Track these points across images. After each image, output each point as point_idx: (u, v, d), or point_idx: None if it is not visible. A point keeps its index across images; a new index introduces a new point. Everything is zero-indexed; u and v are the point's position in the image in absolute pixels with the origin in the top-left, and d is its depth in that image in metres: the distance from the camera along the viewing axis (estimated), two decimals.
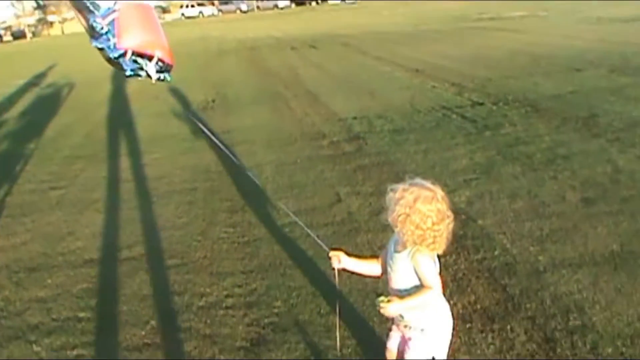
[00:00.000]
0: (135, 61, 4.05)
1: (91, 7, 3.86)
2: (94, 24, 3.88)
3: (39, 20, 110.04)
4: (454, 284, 5.88)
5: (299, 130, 13.26)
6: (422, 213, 3.61)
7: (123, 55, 3.98)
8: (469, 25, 36.65)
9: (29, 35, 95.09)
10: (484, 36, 29.91)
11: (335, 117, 14.24)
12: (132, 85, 22.52)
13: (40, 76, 29.14)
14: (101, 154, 12.99)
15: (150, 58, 4.08)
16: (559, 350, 4.82)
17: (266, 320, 5.70)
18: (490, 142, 10.82)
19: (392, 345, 4.19)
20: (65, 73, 28.80)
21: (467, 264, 6.38)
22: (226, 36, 47.81)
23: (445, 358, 4.04)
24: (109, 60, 4.01)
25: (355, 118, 13.78)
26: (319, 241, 4.45)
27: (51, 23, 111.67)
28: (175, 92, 19.42)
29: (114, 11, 3.92)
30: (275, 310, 5.86)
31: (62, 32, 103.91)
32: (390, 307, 3.69)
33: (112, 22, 3.91)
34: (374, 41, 32.04)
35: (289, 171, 10.20)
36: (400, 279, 3.84)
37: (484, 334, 5.13)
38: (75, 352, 5.51)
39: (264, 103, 17.20)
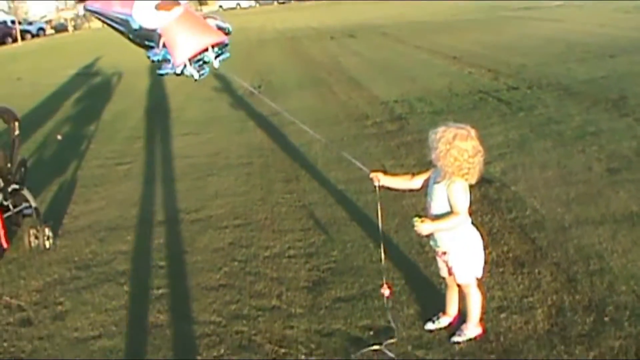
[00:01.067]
0: (198, 64, 4.74)
1: (145, 43, 4.61)
2: (152, 57, 4.63)
3: (79, 14, 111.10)
4: (489, 237, 6.63)
5: (343, 112, 14.07)
6: (459, 148, 4.49)
7: (185, 67, 4.62)
8: (506, 15, 37.16)
9: (70, 28, 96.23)
10: (520, 25, 30.48)
11: (377, 100, 15.02)
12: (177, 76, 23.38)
13: (89, 66, 30.08)
14: (158, 134, 13.91)
15: (205, 50, 4.69)
16: (579, 287, 5.58)
17: (325, 267, 6.53)
18: (523, 122, 11.57)
19: (444, 274, 5.09)
20: (111, 63, 29.66)
21: (501, 222, 7.17)
22: (265, 27, 48.57)
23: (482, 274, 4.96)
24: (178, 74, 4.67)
25: (396, 101, 14.55)
26: (359, 164, 5.31)
27: (90, 17, 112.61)
28: (222, 79, 20.22)
29: (160, 35, 4.59)
30: (333, 259, 6.69)
31: (103, 25, 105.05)
32: (423, 226, 4.58)
33: (164, 49, 4.59)
34: (412, 30, 32.67)
35: (337, 147, 10.97)
36: (437, 205, 4.73)
37: (514, 276, 5.91)
38: (160, 292, 6.39)
39: (308, 88, 18.00)
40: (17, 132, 7.83)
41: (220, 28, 4.90)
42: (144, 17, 4.60)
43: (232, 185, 9.58)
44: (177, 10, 4.58)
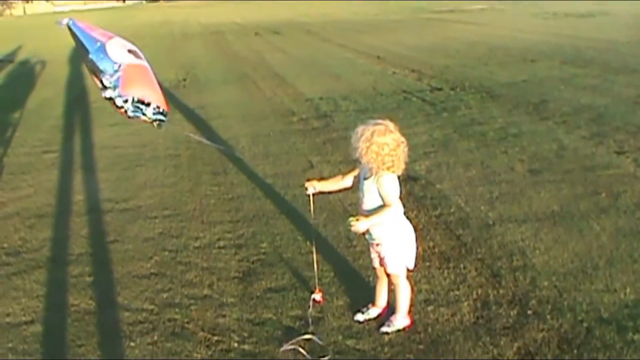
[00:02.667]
0: (137, 106, 5.13)
1: (101, 69, 5.05)
2: (105, 82, 5.08)
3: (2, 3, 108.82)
4: (415, 234, 6.78)
5: (269, 108, 14.14)
6: (379, 143, 4.63)
7: (126, 101, 5.10)
8: (429, 17, 37.76)
9: None
10: (443, 27, 31.01)
11: (302, 97, 15.11)
12: None
13: (10, 54, 29.50)
14: (85, 124, 13.76)
15: (148, 104, 5.20)
16: (503, 282, 5.76)
17: (255, 258, 6.59)
18: (447, 122, 11.80)
19: (376, 265, 5.18)
20: (33, 51, 29.18)
21: (427, 219, 7.33)
22: (189, 21, 48.35)
23: (413, 266, 5.06)
24: (116, 106, 5.17)
25: (321, 99, 14.66)
26: (215, 145, 5.56)
27: (11, 3, 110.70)
28: None
29: (118, 71, 5.14)
30: (262, 250, 6.76)
31: (24, 12, 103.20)
32: (359, 224, 4.67)
33: (118, 79, 5.08)
34: (336, 29, 32.94)
35: (263, 142, 11.07)
36: (369, 201, 4.85)
37: (441, 270, 6.07)
38: (91, 279, 6.37)
39: (233, 83, 18.01)
40: None
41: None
42: (115, 51, 5.24)
43: (160, 177, 9.56)
44: (142, 62, 5.37)
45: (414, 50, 22.78)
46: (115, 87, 4.99)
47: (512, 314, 5.22)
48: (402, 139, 4.73)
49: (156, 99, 5.24)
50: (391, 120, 4.81)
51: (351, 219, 4.70)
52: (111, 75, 5.11)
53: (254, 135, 11.55)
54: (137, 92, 5.16)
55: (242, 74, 19.82)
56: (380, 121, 4.73)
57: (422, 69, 18.22)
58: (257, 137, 11.40)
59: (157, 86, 5.46)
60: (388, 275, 5.14)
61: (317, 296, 5.40)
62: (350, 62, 21.05)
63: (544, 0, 45.93)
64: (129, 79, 5.20)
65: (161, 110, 5.27)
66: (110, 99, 5.01)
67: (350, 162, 5.05)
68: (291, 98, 15.11)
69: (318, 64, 20.99)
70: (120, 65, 5.18)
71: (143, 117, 5.20)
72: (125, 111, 5.10)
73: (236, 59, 23.67)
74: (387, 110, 13.00)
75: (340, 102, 14.22)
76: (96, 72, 5.11)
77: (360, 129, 4.71)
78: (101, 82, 5.07)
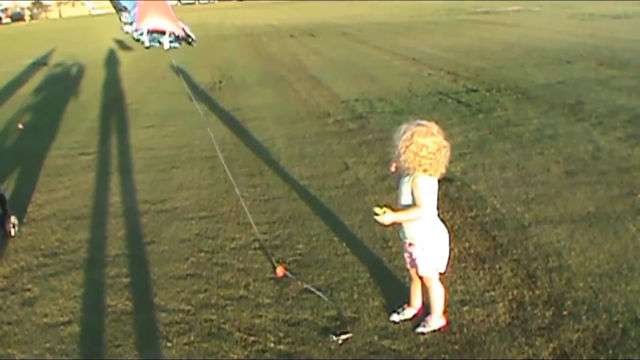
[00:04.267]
0: (153, 37, 5.58)
1: (124, 6, 5.73)
2: (124, 19, 5.52)
3: (35, 3, 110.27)
4: (451, 234, 6.80)
5: (305, 110, 14.20)
6: (418, 143, 4.64)
7: (142, 34, 5.59)
8: (464, 18, 37.65)
9: (27, 17, 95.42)
10: (478, 29, 30.90)
11: (338, 99, 15.17)
12: (139, 66, 23.47)
13: (47, 57, 29.87)
14: (121, 126, 13.93)
15: (163, 33, 5.66)
16: (539, 283, 5.76)
17: (291, 259, 6.63)
18: (483, 124, 11.79)
19: (409, 265, 5.22)
20: (69, 54, 29.53)
21: (462, 220, 7.34)
22: (224, 23, 48.63)
23: (444, 270, 5.08)
24: (135, 39, 5.79)
25: (357, 100, 14.71)
26: None
27: (47, 6, 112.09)
28: (182, 74, 20.27)
29: (135, 7, 5.70)
30: (298, 251, 6.80)
31: (60, 15, 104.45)
32: (384, 217, 4.73)
33: (134, 15, 5.64)
34: (371, 31, 32.96)
35: (299, 144, 11.13)
36: (404, 198, 4.89)
37: (476, 271, 6.08)
38: (128, 280, 6.45)
39: (269, 85, 18.11)
40: None
41: (187, 34, 5.71)
42: None
43: (196, 178, 9.65)
44: None
45: (450, 51, 22.76)
46: (132, 23, 5.30)
47: (547, 314, 5.22)
48: (445, 143, 4.74)
49: (171, 27, 5.52)
50: (426, 120, 4.84)
51: (377, 208, 4.75)
52: (129, 12, 5.68)
53: (290, 137, 11.62)
54: (150, 23, 5.59)
55: (277, 76, 19.92)
56: (424, 122, 4.76)
57: (457, 70, 18.21)
58: (293, 139, 11.46)
59: (173, 15, 6.00)
60: (420, 277, 5.16)
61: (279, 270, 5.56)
62: (385, 63, 21.08)
63: (580, 0, 45.70)
64: (142, 12, 5.67)
65: (177, 36, 5.51)
66: (128, 33, 5.34)
67: (385, 164, 5.09)
68: (327, 100, 15.17)
69: (354, 66, 21.04)
70: (136, 3, 5.72)
71: (157, 45, 5.47)
72: (143, 43, 5.44)
73: (272, 61, 23.78)
74: (423, 111, 13.02)
75: (375, 103, 14.26)
76: (120, 9, 5.79)
77: (403, 127, 4.75)
78: (121, 19, 5.45)
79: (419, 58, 21.39)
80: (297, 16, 51.90)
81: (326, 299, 5.55)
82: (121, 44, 26.67)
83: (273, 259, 5.97)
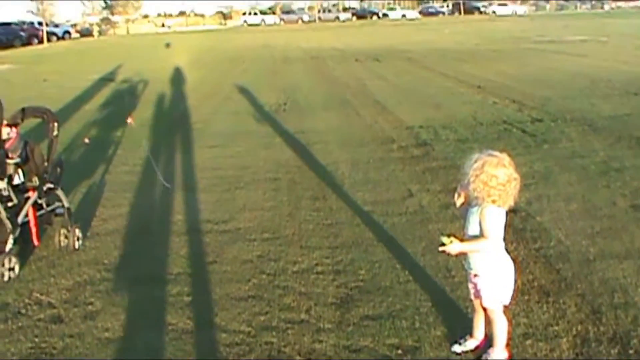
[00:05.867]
0: None
1: None
2: None
3: (103, 20, 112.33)
4: (515, 269, 6.75)
5: (369, 135, 14.23)
6: (488, 174, 4.65)
7: None
8: (530, 47, 37.40)
9: (95, 33, 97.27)
10: (544, 58, 30.67)
11: (402, 125, 15.17)
12: (205, 85, 23.79)
13: (114, 73, 30.39)
14: (185, 145, 14.09)
15: None
16: (604, 319, 5.69)
17: (352, 284, 6.64)
18: (548, 154, 11.69)
19: (473, 296, 5.20)
20: (135, 70, 30.01)
21: (526, 251, 7.28)
22: (290, 45, 48.88)
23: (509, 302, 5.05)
24: None
25: (421, 127, 14.69)
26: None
27: (115, 23, 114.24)
28: (247, 94, 20.52)
29: None
30: (360, 277, 6.81)
31: (127, 32, 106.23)
32: (451, 246, 4.75)
33: None
34: (436, 57, 32.90)
35: (363, 169, 11.15)
36: (471, 229, 4.88)
37: (540, 305, 6.03)
38: (190, 298, 6.52)
39: (333, 109, 18.16)
40: (55, 133, 7.98)
41: None
42: None
43: (260, 200, 9.72)
44: None
45: (515, 80, 22.62)
46: None
47: (612, 352, 5.15)
48: (516, 175, 4.73)
49: None
50: (491, 149, 4.83)
51: (444, 238, 4.76)
52: None
53: (354, 162, 11.65)
54: None
55: (342, 100, 19.98)
56: (495, 153, 4.75)
57: (522, 99, 18.09)
58: (357, 164, 11.49)
59: None
60: (484, 308, 5.14)
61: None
62: (450, 90, 21.05)
63: None
64: None
65: None
66: None
67: (450, 191, 5.09)
68: (391, 125, 15.18)
69: (418, 92, 21.05)
70: None
71: None
72: None
73: (336, 85, 23.86)
74: (487, 140, 12.97)
75: (440, 131, 14.24)
76: None
77: (474, 156, 4.76)
78: None
79: (483, 86, 21.29)
80: (362, 40, 52.02)
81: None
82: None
83: None
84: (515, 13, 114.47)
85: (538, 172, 10.49)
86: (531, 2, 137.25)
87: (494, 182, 4.65)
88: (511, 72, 25.07)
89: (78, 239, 8.00)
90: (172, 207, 9.61)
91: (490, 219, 4.74)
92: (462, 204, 5.02)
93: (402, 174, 10.78)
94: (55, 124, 8.01)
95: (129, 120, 14.74)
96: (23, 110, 7.97)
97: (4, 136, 7.36)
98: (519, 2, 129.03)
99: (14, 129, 7.60)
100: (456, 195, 5.02)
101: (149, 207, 9.67)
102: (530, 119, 15.23)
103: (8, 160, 7.44)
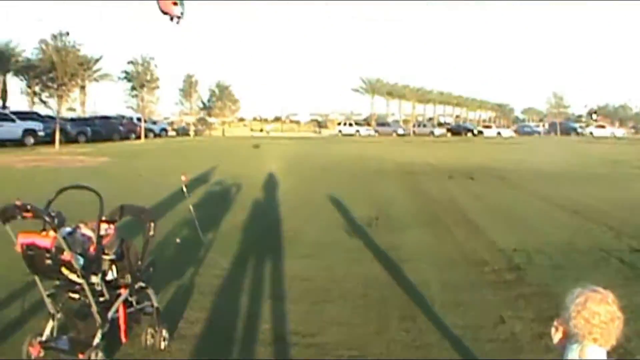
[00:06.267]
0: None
1: None
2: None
3: (200, 120, 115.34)
4: None
5: (460, 255, 14.03)
6: (591, 310, 4.47)
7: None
8: (630, 172, 36.82)
9: (192, 132, 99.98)
10: None
11: (494, 246, 14.93)
12: (298, 193, 24.02)
13: (208, 174, 30.94)
14: (276, 252, 14.09)
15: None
16: None
17: None
18: None
19: None
20: (229, 173, 30.55)
21: None
22: (384, 158, 49.12)
23: None
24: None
25: (515, 250, 14.42)
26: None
27: (211, 124, 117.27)
28: (339, 206, 20.57)
29: None
30: None
31: (223, 134, 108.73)
32: None
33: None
34: (531, 178, 32.58)
35: (454, 290, 10.97)
36: None
37: None
38: None
39: (425, 226, 18.01)
40: (151, 233, 8.10)
41: None
42: None
43: (348, 315, 9.63)
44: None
45: (612, 205, 22.17)
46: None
47: None
48: (619, 314, 4.56)
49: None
50: (588, 281, 4.68)
51: None
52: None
53: (444, 283, 11.48)
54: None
55: (434, 217, 19.84)
56: (599, 289, 4.60)
57: (621, 226, 17.65)
58: (447, 285, 11.32)
59: None
60: None
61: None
62: (545, 213, 20.72)
63: None
64: None
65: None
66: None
67: (544, 320, 4.91)
68: (483, 247, 14.95)
69: (511, 213, 20.78)
70: None
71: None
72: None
73: (429, 201, 23.73)
74: (583, 269, 12.66)
75: (533, 255, 13.95)
76: None
77: (576, 291, 4.61)
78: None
79: (579, 210, 20.92)
80: (455, 156, 52.11)
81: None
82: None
83: None
84: (614, 135, 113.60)
85: (638, 306, 10.13)
86: (631, 124, 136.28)
87: (597, 320, 4.49)
88: (610, 197, 24.60)
89: (164, 340, 8.07)
90: (260, 315, 9.62)
91: (590, 358, 4.55)
92: (560, 340, 4.85)
93: (494, 299, 10.56)
94: (152, 224, 8.13)
95: (183, 178, 14.89)
96: (122, 207, 8.17)
97: (102, 232, 7.51)
98: (617, 124, 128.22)
99: (111, 226, 7.77)
100: (553, 330, 4.86)
101: (236, 313, 9.67)
102: (629, 248, 14.82)
103: (104, 256, 7.59)
